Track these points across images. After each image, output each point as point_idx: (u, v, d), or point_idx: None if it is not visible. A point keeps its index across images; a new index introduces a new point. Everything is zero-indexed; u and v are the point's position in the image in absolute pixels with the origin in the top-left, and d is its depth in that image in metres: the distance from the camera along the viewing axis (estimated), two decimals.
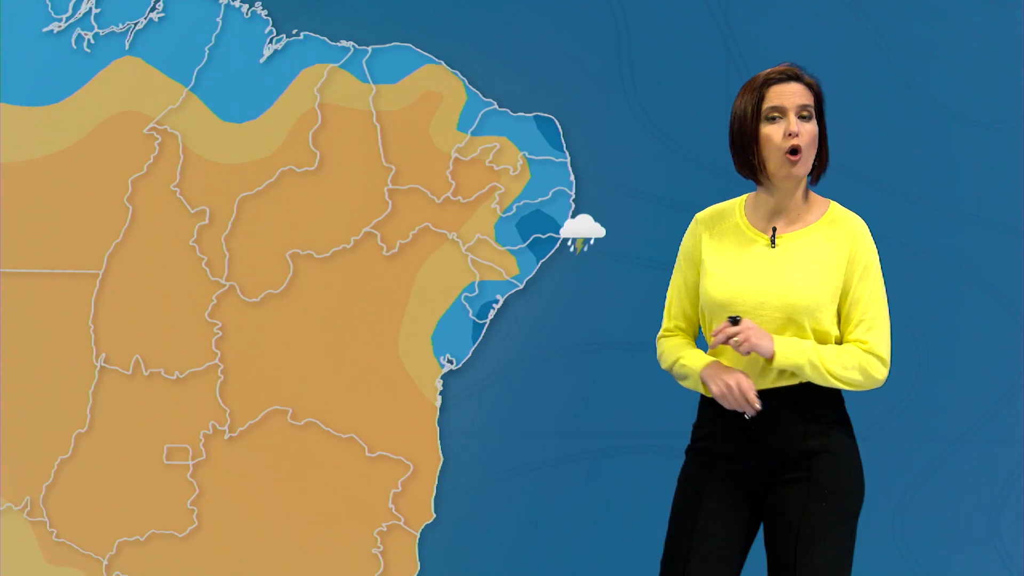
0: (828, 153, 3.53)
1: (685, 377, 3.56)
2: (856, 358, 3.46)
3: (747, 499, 3.51)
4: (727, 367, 3.48)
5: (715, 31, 5.01)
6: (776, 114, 3.47)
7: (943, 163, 5.01)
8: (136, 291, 5.08)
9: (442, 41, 5.06)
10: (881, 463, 4.94)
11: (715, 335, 3.42)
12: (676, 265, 3.63)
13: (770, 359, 3.43)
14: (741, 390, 3.43)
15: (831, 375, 3.44)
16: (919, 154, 5.01)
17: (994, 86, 5.00)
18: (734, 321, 3.42)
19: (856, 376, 3.46)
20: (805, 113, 3.47)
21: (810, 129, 3.48)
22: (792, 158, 3.45)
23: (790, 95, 3.47)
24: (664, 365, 3.63)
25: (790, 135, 3.45)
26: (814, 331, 3.46)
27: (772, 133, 3.47)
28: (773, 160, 3.47)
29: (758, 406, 3.43)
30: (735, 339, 3.40)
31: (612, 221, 5.04)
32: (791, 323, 3.45)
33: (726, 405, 3.45)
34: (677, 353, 3.59)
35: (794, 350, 3.42)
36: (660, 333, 3.68)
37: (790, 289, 3.45)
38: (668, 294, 3.66)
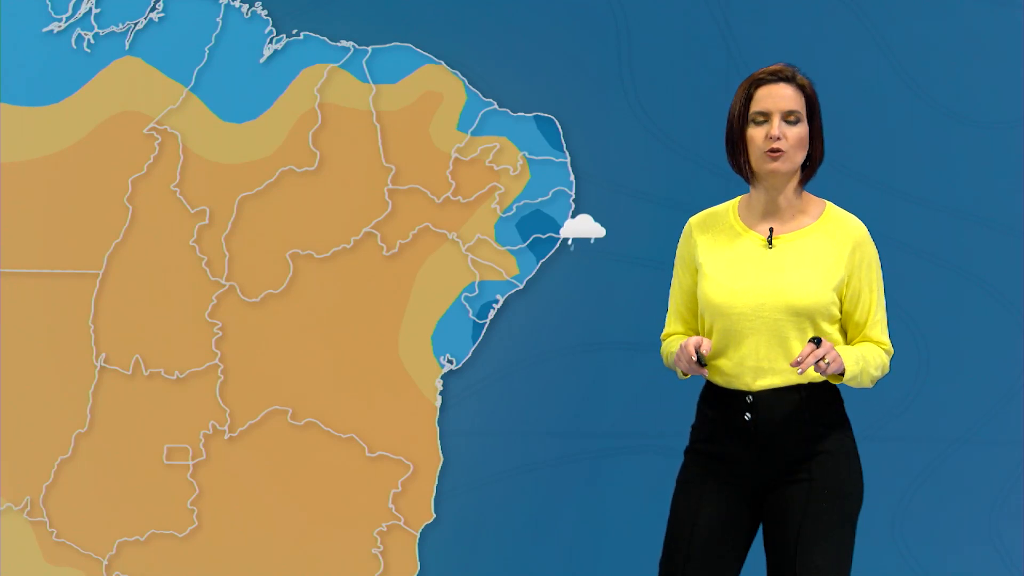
0: (822, 154, 3.52)
1: (675, 367, 3.56)
2: (881, 358, 3.50)
3: (746, 500, 3.50)
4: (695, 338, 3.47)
5: (715, 31, 5.01)
6: (761, 117, 3.47)
7: (943, 163, 5.01)
8: (136, 291, 5.09)
9: (442, 41, 5.06)
10: (881, 463, 4.94)
11: (801, 360, 3.33)
12: (674, 270, 3.64)
13: (841, 375, 3.43)
14: (687, 351, 3.41)
15: (870, 379, 3.48)
16: (919, 154, 5.01)
17: (994, 86, 5.00)
18: (816, 342, 3.35)
19: (880, 375, 3.50)
20: (792, 117, 3.47)
21: (796, 132, 3.47)
22: (772, 155, 3.45)
23: (777, 98, 3.46)
24: (666, 364, 3.65)
25: (771, 138, 3.45)
26: (814, 332, 3.46)
27: (756, 135, 3.47)
28: (755, 159, 3.48)
29: (693, 358, 3.39)
30: (823, 361, 3.34)
31: (612, 221, 5.04)
32: (791, 325, 3.45)
33: (681, 367, 3.45)
34: (667, 350, 3.61)
35: (852, 360, 3.43)
36: (661, 336, 3.69)
37: (790, 290, 3.45)
38: (669, 297, 3.67)
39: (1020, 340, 5.01)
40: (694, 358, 3.41)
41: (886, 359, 3.53)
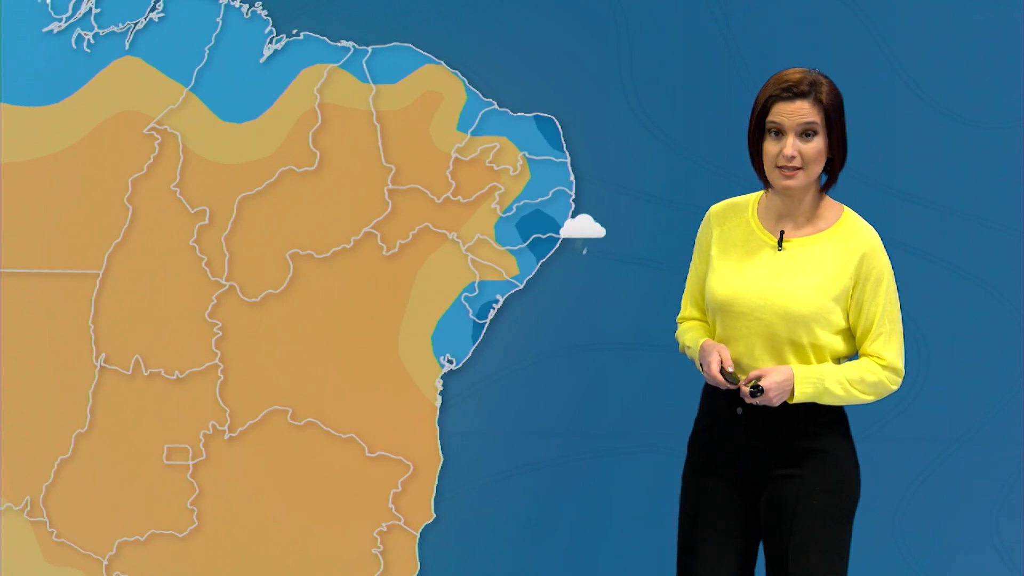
0: (843, 161, 3.51)
1: (693, 360, 3.60)
2: (875, 374, 3.49)
3: (745, 490, 3.53)
4: (714, 345, 3.49)
5: (715, 31, 5.01)
6: (776, 127, 3.45)
7: (943, 163, 5.01)
8: (136, 291, 5.08)
9: (442, 41, 5.06)
10: (881, 463, 4.95)
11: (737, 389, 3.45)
12: (692, 255, 3.66)
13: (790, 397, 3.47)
14: (711, 372, 3.45)
15: (850, 396, 3.47)
16: (919, 154, 5.01)
17: (994, 86, 5.00)
18: (754, 392, 3.41)
19: (871, 395, 3.49)
20: (809, 131, 3.45)
21: (811, 148, 3.44)
22: (784, 173, 3.45)
23: (792, 114, 3.43)
24: (680, 350, 3.67)
25: (784, 157, 3.44)
26: (811, 343, 3.46)
27: (770, 150, 3.46)
28: (770, 172, 3.47)
29: (720, 377, 3.44)
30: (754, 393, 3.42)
31: (612, 221, 5.04)
32: (785, 329, 3.46)
33: (711, 383, 3.50)
34: (683, 338, 3.64)
35: (809, 382, 3.44)
36: (677, 319, 3.72)
37: (788, 295, 3.45)
38: (686, 282, 3.69)
39: (1020, 340, 5.01)
40: (719, 377, 3.46)
41: (881, 374, 3.50)
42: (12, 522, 5.10)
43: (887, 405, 5.00)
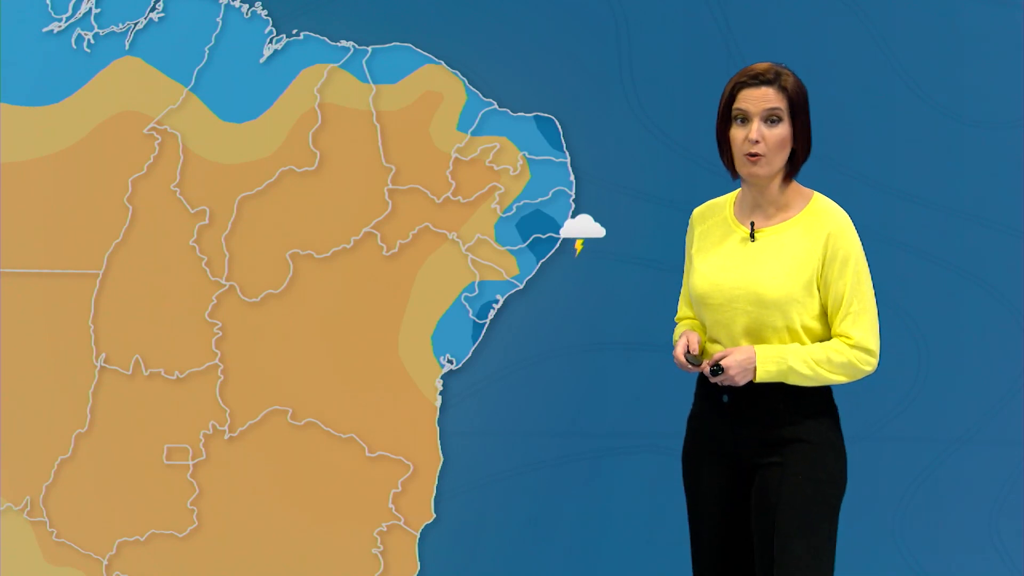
0: (806, 151, 3.54)
1: None
2: (843, 354, 3.51)
3: (738, 477, 3.57)
4: (686, 333, 3.59)
5: (715, 31, 5.01)
6: (741, 114, 3.51)
7: (943, 163, 5.01)
8: (136, 291, 5.09)
9: (442, 41, 5.06)
10: (881, 463, 4.95)
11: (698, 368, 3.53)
12: (685, 259, 3.71)
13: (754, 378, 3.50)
14: (674, 355, 3.54)
15: (816, 375, 3.48)
16: (919, 154, 5.01)
17: (994, 86, 5.00)
18: (715, 371, 3.46)
19: (841, 375, 3.50)
20: (773, 117, 3.50)
21: (776, 134, 3.50)
22: (751, 159, 3.50)
23: (756, 100, 3.50)
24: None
25: (749, 141, 3.49)
26: (787, 327, 3.49)
27: (736, 136, 3.52)
28: (737, 159, 3.53)
29: (682, 359, 3.51)
30: (716, 375, 3.48)
31: (612, 221, 5.04)
32: (762, 316, 3.50)
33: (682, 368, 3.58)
34: (675, 336, 3.68)
35: (773, 359, 3.47)
36: (675, 320, 3.77)
37: (760, 283, 3.51)
38: (682, 284, 3.75)
39: (1020, 340, 5.01)
40: (683, 359, 3.52)
41: (850, 355, 3.50)
42: (12, 522, 5.10)
43: (887, 405, 5.00)
